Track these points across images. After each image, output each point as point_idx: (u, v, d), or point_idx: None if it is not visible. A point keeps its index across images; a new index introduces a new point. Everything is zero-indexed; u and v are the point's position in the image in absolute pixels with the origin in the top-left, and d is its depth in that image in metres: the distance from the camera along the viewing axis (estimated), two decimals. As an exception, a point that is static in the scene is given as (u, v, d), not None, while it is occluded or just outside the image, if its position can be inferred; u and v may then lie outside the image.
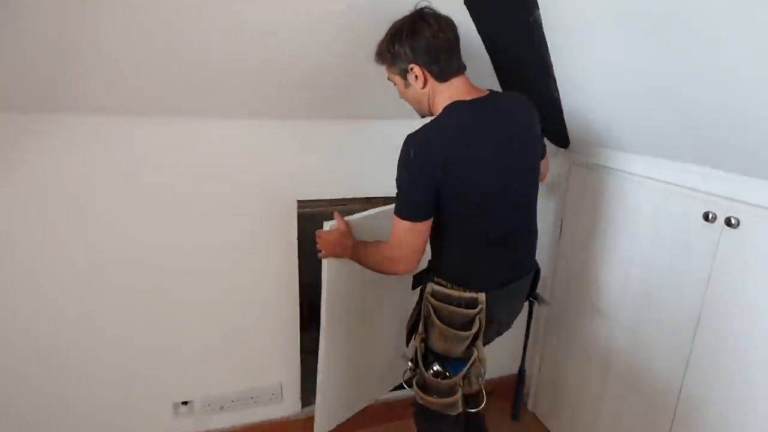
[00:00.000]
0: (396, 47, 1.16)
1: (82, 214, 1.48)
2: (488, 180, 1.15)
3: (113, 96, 1.36)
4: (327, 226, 1.40)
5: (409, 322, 1.37)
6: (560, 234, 1.95)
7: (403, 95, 1.27)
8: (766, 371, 1.19)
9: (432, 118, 1.19)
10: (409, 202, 1.15)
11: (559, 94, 1.60)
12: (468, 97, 1.17)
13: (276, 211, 1.68)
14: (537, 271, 1.40)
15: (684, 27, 1.01)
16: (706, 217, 1.30)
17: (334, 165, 1.70)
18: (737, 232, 1.23)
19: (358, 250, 1.31)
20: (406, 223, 1.15)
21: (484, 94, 1.20)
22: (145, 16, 1.17)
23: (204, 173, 1.57)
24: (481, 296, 1.22)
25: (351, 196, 1.77)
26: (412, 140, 1.12)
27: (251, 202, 1.64)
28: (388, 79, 1.27)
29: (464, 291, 1.23)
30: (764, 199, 1.16)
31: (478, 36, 1.46)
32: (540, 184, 1.34)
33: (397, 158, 1.14)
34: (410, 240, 1.15)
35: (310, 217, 1.74)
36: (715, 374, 1.31)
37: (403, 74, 1.19)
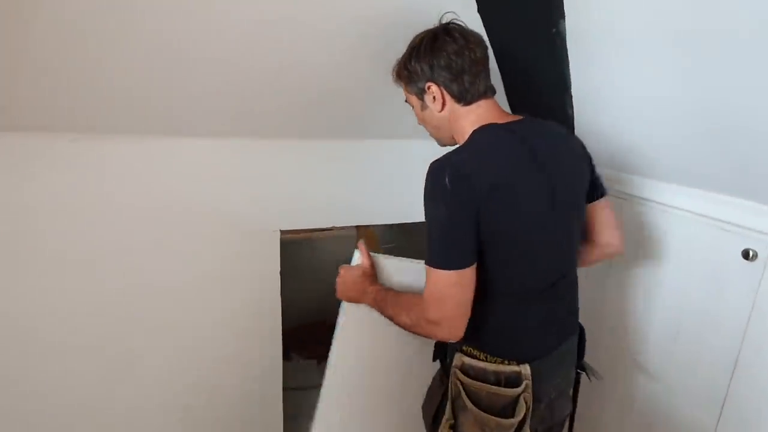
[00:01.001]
0: (413, 63, 1.01)
1: (31, 246, 1.22)
2: (531, 218, 0.94)
3: (69, 113, 1.12)
4: (354, 259, 1.18)
5: (429, 403, 1.12)
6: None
7: (420, 119, 1.10)
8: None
9: (455, 147, 0.99)
10: (446, 244, 0.90)
11: (573, 112, 1.45)
12: (500, 121, 0.99)
13: (255, 244, 1.46)
14: (582, 331, 1.16)
15: (726, 46, 0.89)
16: (745, 254, 1.17)
17: (320, 191, 1.50)
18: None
19: (384, 300, 1.08)
20: (444, 274, 0.89)
21: (518, 118, 1.02)
22: (111, 19, 0.94)
23: (172, 199, 1.34)
24: (525, 369, 0.97)
25: (341, 225, 1.57)
26: (442, 166, 0.90)
27: (226, 233, 1.42)
28: (406, 101, 1.11)
29: (503, 363, 0.98)
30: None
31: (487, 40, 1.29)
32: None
33: (424, 187, 0.92)
34: (453, 295, 0.90)
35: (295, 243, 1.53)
36: (753, 423, 1.19)
37: (420, 94, 1.04)
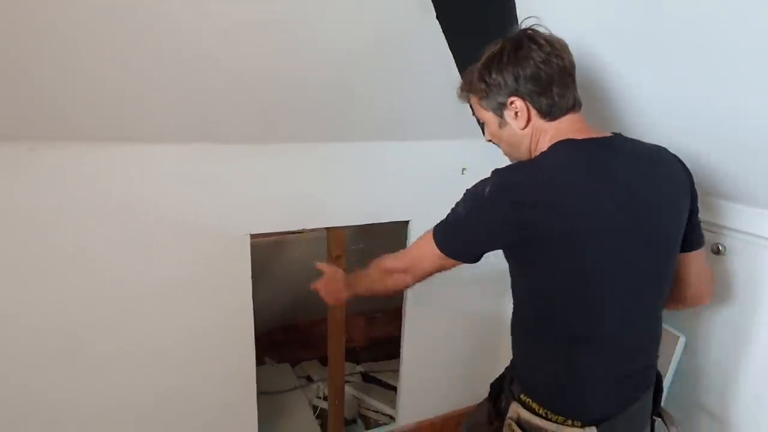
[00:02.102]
0: (494, 75, 0.90)
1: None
2: (602, 250, 0.82)
3: (28, 121, 1.10)
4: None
5: None
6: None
7: (493, 137, 1.00)
8: None
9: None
10: (454, 233, 0.94)
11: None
12: (580, 137, 0.88)
13: (225, 248, 1.46)
14: (659, 379, 1.02)
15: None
16: None
17: (290, 193, 1.51)
18: None
19: (352, 280, 1.19)
20: (433, 248, 0.95)
21: (605, 135, 0.90)
22: (73, 21, 0.93)
23: (138, 206, 1.32)
24: None
25: (312, 227, 1.58)
26: (495, 177, 0.87)
27: (195, 238, 1.41)
28: (474, 115, 1.03)
29: (565, 423, 0.86)
30: None
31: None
32: None
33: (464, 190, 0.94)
34: (423, 264, 0.99)
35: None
36: None
37: (499, 110, 0.93)
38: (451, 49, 1.34)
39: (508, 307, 1.98)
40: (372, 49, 1.25)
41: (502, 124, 0.95)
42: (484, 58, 0.93)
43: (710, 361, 1.31)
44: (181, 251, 1.41)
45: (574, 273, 0.83)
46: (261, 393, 1.65)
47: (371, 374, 2.46)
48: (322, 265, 1.30)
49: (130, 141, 1.25)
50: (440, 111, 1.55)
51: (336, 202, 1.58)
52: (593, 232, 0.82)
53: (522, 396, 0.92)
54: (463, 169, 1.75)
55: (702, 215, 1.02)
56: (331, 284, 1.26)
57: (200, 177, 1.38)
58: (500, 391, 1.02)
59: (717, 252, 1.26)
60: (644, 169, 0.88)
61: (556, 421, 0.87)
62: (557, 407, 0.88)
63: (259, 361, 2.43)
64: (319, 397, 2.27)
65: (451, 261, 0.95)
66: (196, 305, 1.46)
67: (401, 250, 1.10)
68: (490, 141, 1.03)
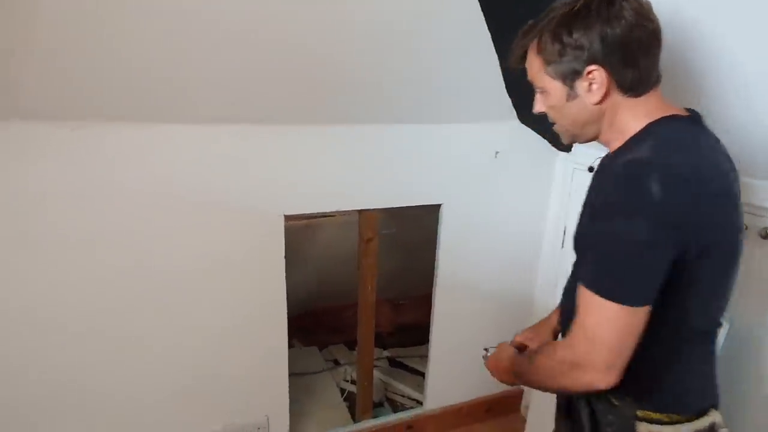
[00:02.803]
0: (575, 35, 0.73)
1: (34, 232, 1.23)
2: (733, 241, 0.76)
3: (71, 101, 1.13)
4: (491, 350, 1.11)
5: None
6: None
7: (552, 110, 0.84)
8: None
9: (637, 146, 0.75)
10: (630, 271, 0.69)
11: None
12: (678, 114, 0.78)
13: (259, 228, 1.47)
14: None
15: None
16: None
17: (325, 174, 1.51)
18: None
19: (521, 368, 0.91)
20: (612, 307, 0.68)
21: (686, 113, 0.79)
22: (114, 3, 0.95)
23: (175, 186, 1.35)
24: (717, 416, 0.81)
25: (344, 209, 1.58)
26: (647, 168, 0.68)
27: (230, 218, 1.43)
28: (532, 82, 0.84)
29: (697, 417, 0.79)
30: None
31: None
32: None
33: (607, 196, 0.74)
34: (616, 336, 0.69)
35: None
36: None
37: (570, 79, 0.77)
38: (488, 26, 1.31)
39: (538, 291, 1.99)
40: (408, 27, 1.24)
41: (571, 96, 0.79)
42: (559, 13, 0.75)
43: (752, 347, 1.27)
44: (218, 231, 1.43)
45: (714, 264, 0.73)
46: (290, 374, 1.68)
47: (398, 359, 2.47)
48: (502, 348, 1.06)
49: (168, 122, 1.27)
50: (474, 92, 1.52)
51: (369, 185, 1.58)
52: (731, 218, 0.74)
53: (638, 413, 0.79)
54: (496, 153, 1.72)
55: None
56: (499, 363, 1.01)
57: (236, 157, 1.39)
58: (589, 407, 0.86)
59: (765, 236, 1.21)
60: (725, 154, 0.79)
61: (688, 420, 0.79)
62: (688, 408, 0.80)
63: (288, 344, 2.47)
64: (347, 380, 2.29)
65: (640, 312, 0.69)
66: (231, 285, 1.49)
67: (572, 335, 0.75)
68: (540, 113, 0.87)
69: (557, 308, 1.04)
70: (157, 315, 1.42)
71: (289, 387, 1.68)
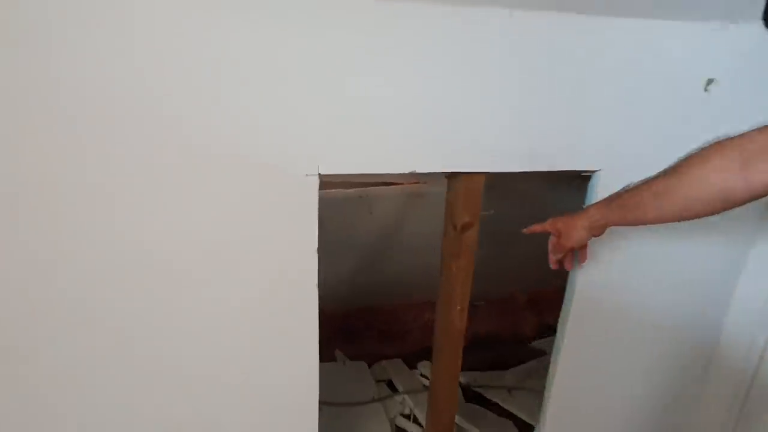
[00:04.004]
0: None
1: None
2: None
3: None
4: None
5: None
6: None
7: None
8: None
9: None
10: None
11: None
12: None
13: (283, 193, 0.82)
14: None
15: None
16: None
17: (391, 103, 0.82)
18: None
19: (614, 204, 0.80)
20: None
21: None
22: None
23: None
24: None
25: (424, 170, 0.88)
26: None
27: (238, 179, 0.79)
28: None
29: None
30: None
31: None
32: None
33: None
34: None
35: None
36: None
37: None
38: None
39: (729, 329, 1.23)
40: None
41: None
42: None
43: None
44: (226, 194, 0.79)
45: None
46: (324, 403, 1.04)
47: (475, 388, 1.78)
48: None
49: None
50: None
51: (471, 130, 0.88)
52: None
53: None
54: (709, 82, 0.95)
55: None
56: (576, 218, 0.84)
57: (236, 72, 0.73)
58: None
59: None
60: None
61: None
62: None
63: (327, 355, 1.85)
64: (405, 416, 1.65)
65: None
66: (242, 273, 0.85)
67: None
68: None
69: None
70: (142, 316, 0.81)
71: (322, 422, 1.03)
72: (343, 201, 1.28)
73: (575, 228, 0.84)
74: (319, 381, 0.98)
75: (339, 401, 1.58)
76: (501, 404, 1.70)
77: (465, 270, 0.99)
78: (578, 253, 0.93)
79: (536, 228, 0.90)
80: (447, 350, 1.06)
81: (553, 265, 0.94)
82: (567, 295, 1.09)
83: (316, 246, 0.87)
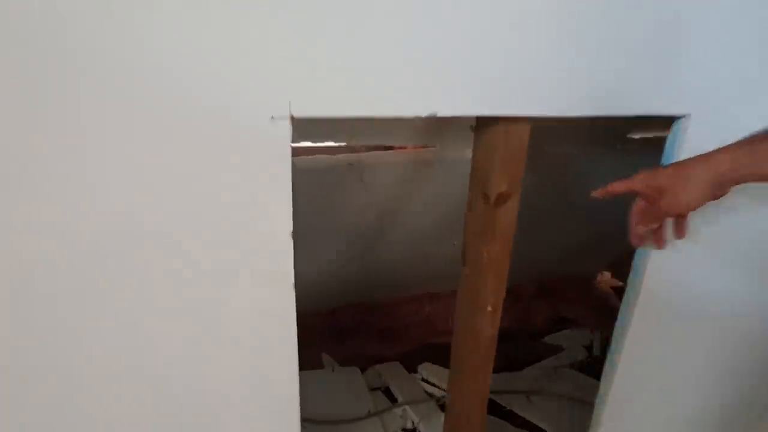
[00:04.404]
0: None
1: None
2: None
3: None
4: None
5: None
6: None
7: None
8: None
9: None
10: None
11: None
12: None
13: (239, 148, 0.54)
14: None
15: None
16: None
17: (386, 28, 0.54)
18: None
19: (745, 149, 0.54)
20: None
21: None
22: None
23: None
24: None
25: (414, 113, 0.60)
26: None
27: (173, 130, 0.50)
28: None
29: None
30: None
31: None
32: None
33: None
34: None
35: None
36: None
37: None
38: None
39: None
40: None
41: None
42: None
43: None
44: (157, 151, 0.50)
45: None
46: (307, 420, 0.76)
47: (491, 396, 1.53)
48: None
49: None
50: None
51: (519, 59, 0.60)
52: None
53: None
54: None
55: None
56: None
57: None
58: None
59: None
60: None
61: None
62: None
63: (312, 361, 1.58)
64: (407, 430, 1.39)
65: None
66: (192, 254, 0.57)
67: None
68: None
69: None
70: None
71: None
72: (328, 171, 0.98)
73: (690, 183, 0.57)
74: (303, 393, 0.70)
75: (327, 418, 1.31)
76: (519, 413, 1.45)
77: (499, 258, 0.72)
78: (674, 224, 0.66)
79: (618, 188, 0.62)
80: (472, 366, 0.80)
81: (636, 242, 0.66)
82: (631, 284, 0.82)
83: (291, 227, 0.60)
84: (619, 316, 0.85)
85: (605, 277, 2.23)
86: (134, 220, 0.53)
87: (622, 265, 2.28)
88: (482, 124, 0.67)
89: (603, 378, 0.90)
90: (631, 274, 0.82)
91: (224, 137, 0.53)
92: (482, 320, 0.76)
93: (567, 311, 2.01)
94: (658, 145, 0.76)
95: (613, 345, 0.87)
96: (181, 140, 0.52)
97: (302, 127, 0.60)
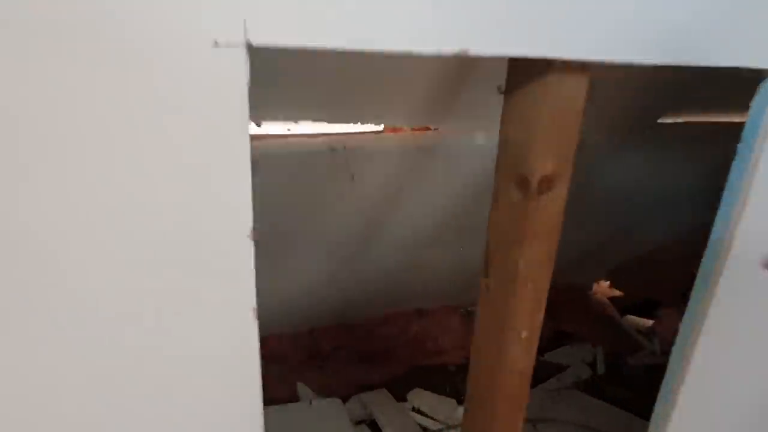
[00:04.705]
0: None
1: None
2: None
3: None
4: None
5: None
6: None
7: None
8: None
9: None
10: None
11: None
12: None
13: (173, 92, 0.33)
14: None
15: None
16: None
17: None
18: None
19: None
20: None
21: None
22: None
23: None
24: None
25: (432, 49, 0.42)
26: None
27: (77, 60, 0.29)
28: None
29: None
30: None
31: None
32: None
33: None
34: None
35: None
36: None
37: None
38: None
39: None
40: None
41: None
42: None
43: None
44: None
45: None
46: None
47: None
48: None
49: None
50: None
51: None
52: None
53: None
54: None
55: None
56: None
57: None
58: None
59: None
60: None
61: None
62: None
63: (285, 393, 1.34)
64: (398, 474, 1.18)
65: None
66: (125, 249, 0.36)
67: None
68: None
69: None
70: None
71: None
72: (304, 158, 0.76)
73: None
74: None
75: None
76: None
77: (540, 266, 0.53)
78: None
79: None
80: (501, 412, 0.60)
81: None
82: (703, 271, 0.63)
83: (251, 224, 0.39)
84: (686, 316, 0.65)
85: (602, 287, 2.10)
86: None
87: (620, 274, 2.16)
88: (519, 80, 0.49)
89: (665, 385, 0.70)
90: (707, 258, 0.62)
91: (141, 78, 0.33)
92: (514, 350, 0.56)
93: (565, 324, 1.85)
94: (692, 134, 0.59)
95: (680, 339, 0.66)
96: (75, 77, 0.31)
97: (262, 95, 0.41)
